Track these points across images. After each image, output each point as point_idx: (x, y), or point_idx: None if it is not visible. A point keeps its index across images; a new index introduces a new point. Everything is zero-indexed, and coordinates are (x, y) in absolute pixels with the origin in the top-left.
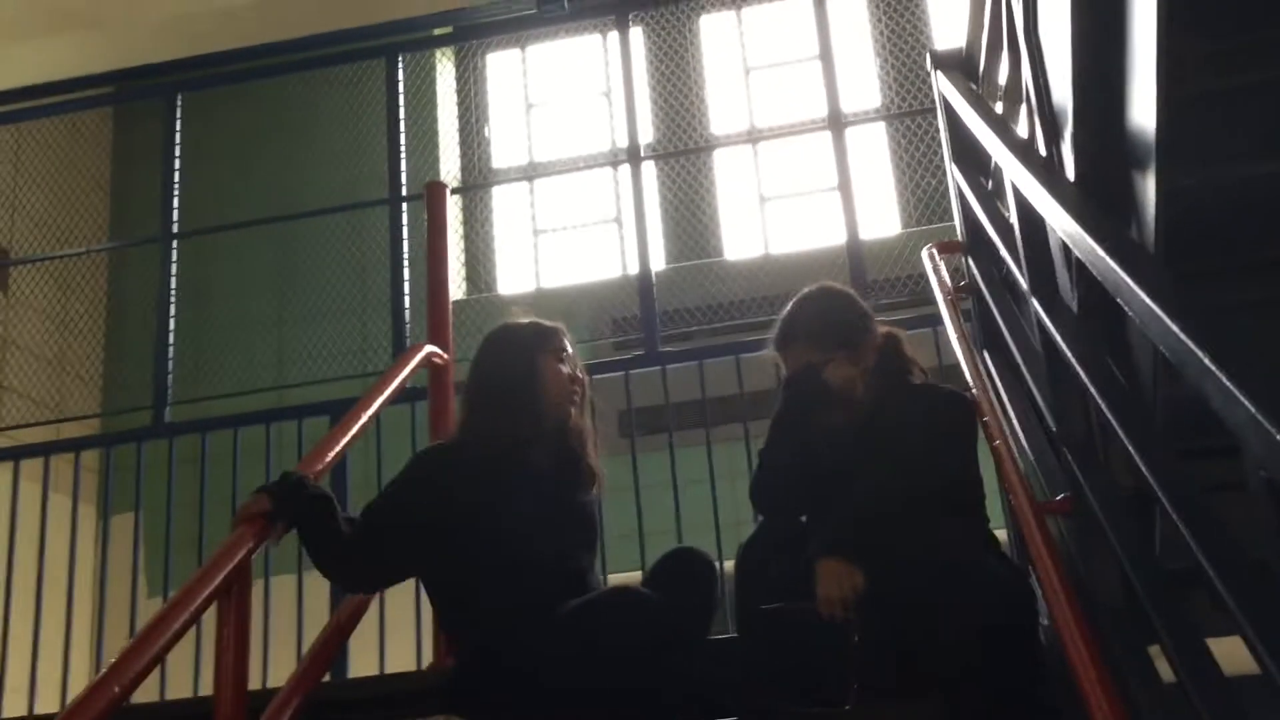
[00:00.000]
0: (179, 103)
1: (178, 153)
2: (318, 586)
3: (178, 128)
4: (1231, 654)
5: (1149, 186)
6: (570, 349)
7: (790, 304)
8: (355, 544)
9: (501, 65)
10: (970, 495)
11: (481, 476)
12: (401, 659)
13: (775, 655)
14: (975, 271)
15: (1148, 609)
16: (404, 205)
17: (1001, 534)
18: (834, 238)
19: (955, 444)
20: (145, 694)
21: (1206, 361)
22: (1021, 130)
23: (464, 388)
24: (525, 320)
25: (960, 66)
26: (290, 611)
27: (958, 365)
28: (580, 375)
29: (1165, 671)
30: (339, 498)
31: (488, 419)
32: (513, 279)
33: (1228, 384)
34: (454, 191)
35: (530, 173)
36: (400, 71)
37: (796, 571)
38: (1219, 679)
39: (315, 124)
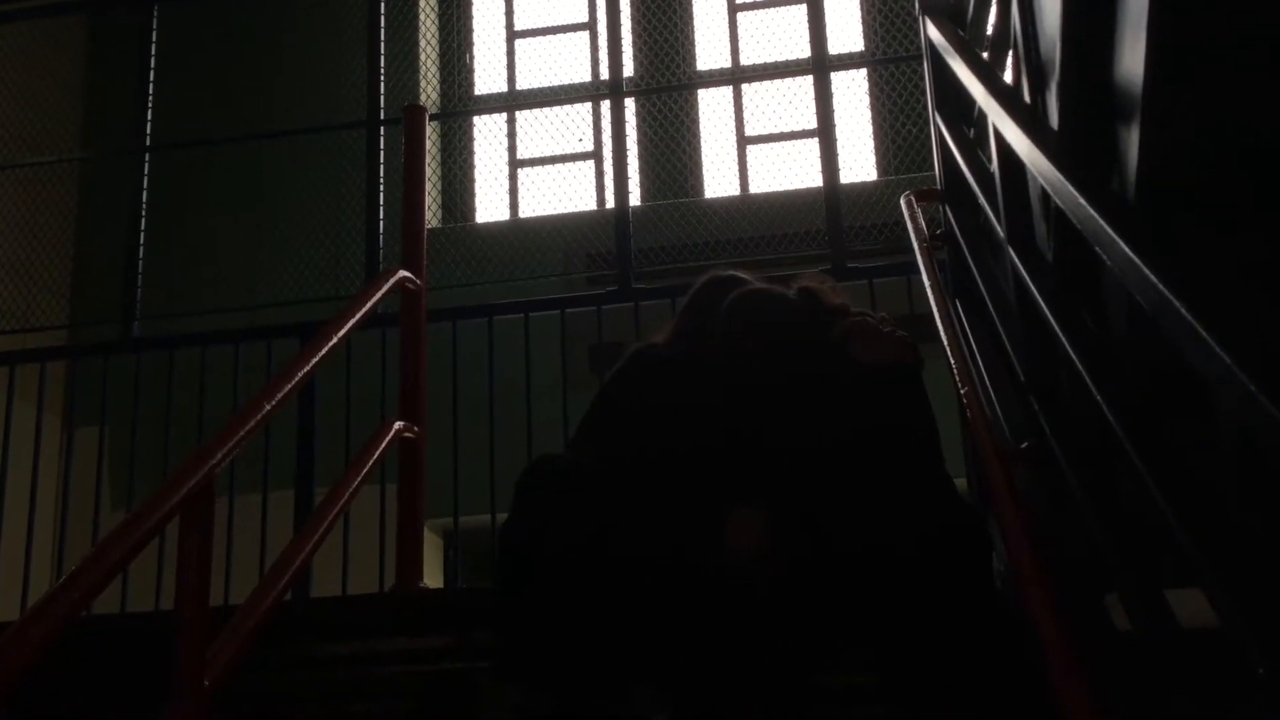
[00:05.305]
0: (155, 14)
1: (153, 65)
2: (282, 504)
3: (154, 39)
4: (1189, 606)
5: (1133, 139)
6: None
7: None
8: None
9: None
10: (920, 440)
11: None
12: (365, 581)
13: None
14: (952, 220)
15: (1107, 558)
16: (382, 129)
17: (961, 481)
18: (812, 180)
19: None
20: (106, 605)
21: (1183, 311)
22: (1007, 79)
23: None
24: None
25: (948, 12)
26: (254, 529)
27: (930, 313)
28: None
29: (1122, 621)
30: (305, 423)
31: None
32: (489, 209)
33: (1204, 335)
34: (433, 118)
35: (511, 102)
36: None
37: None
38: (1176, 630)
39: (295, 43)
